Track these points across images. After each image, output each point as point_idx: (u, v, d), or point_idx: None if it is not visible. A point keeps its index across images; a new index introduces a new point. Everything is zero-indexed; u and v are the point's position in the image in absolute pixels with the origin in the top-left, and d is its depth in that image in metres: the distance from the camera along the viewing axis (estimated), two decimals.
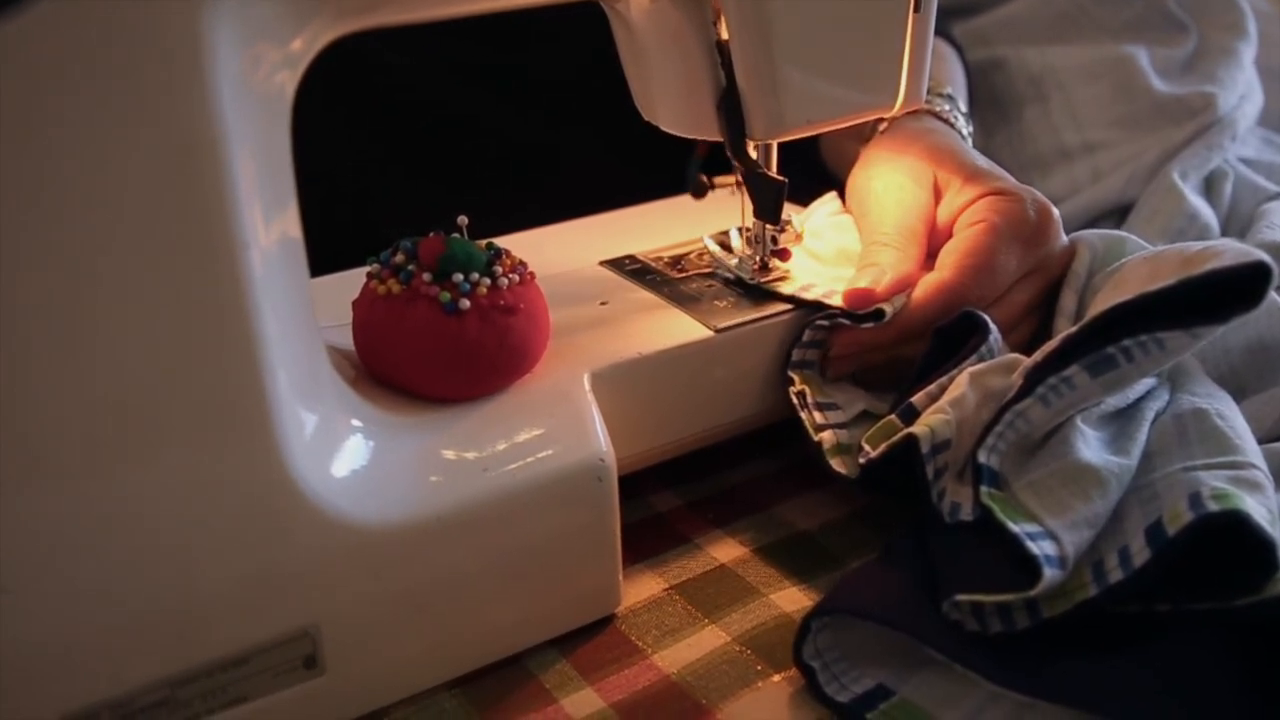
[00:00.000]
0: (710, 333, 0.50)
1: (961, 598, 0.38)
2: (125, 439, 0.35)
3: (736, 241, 0.56)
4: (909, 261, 0.51)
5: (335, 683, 0.39)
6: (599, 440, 0.43)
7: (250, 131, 0.35)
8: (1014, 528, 0.39)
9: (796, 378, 0.50)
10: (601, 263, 0.57)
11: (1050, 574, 0.37)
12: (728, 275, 0.55)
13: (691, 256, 0.58)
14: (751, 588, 0.46)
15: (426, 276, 0.43)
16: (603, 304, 0.53)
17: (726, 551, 0.49)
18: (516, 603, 0.42)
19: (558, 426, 0.44)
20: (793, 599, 0.45)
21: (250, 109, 0.36)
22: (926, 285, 0.50)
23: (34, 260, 0.32)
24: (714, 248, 0.56)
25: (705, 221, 0.59)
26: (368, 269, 0.45)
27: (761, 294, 0.53)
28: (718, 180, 0.53)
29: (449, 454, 0.42)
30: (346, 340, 0.46)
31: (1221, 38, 0.79)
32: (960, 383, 0.45)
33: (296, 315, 0.39)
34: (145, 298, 0.34)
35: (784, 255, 0.55)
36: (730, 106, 0.48)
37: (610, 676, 0.42)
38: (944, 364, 0.47)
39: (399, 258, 0.44)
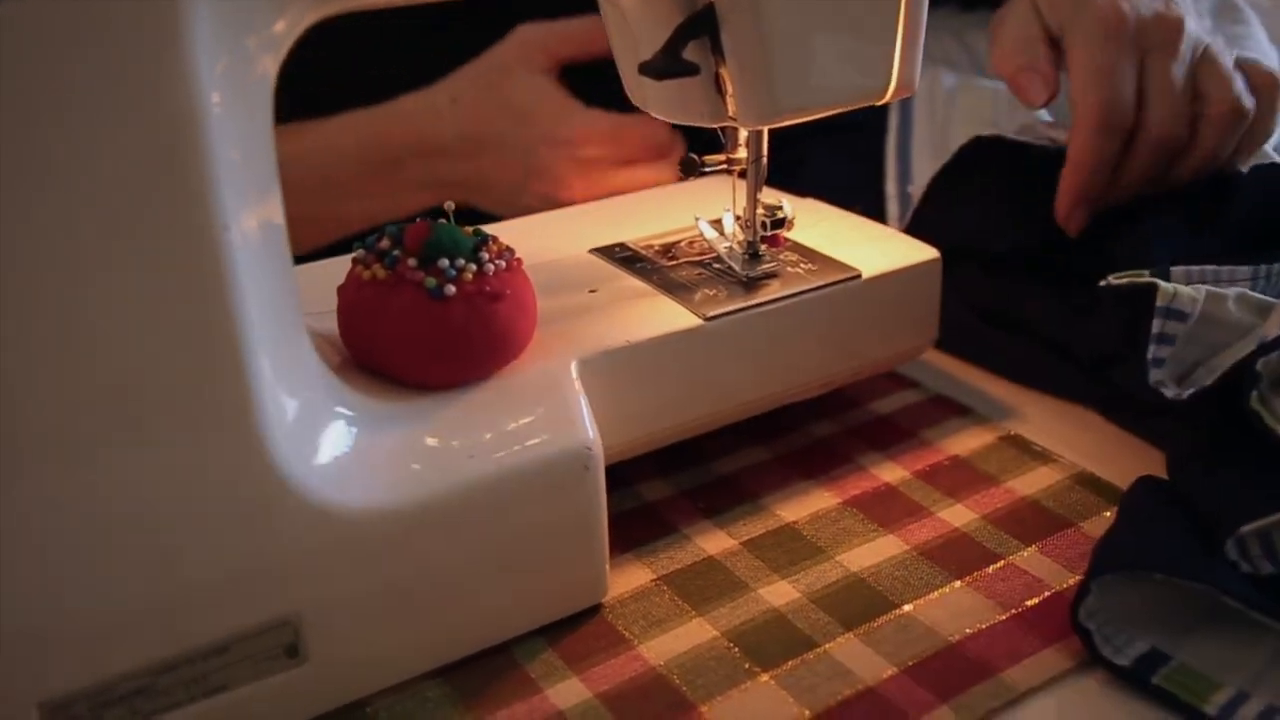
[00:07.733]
0: (700, 321, 0.49)
1: (1247, 528, 0.37)
2: (104, 426, 0.34)
3: (729, 225, 0.56)
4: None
5: (317, 671, 0.39)
6: (586, 429, 0.43)
7: (230, 113, 0.35)
8: None
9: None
10: (591, 250, 0.57)
11: None
12: (719, 266, 0.54)
13: (682, 244, 0.57)
14: (740, 581, 0.46)
15: (412, 262, 0.43)
16: (592, 291, 0.52)
17: (715, 543, 0.48)
18: (502, 592, 0.42)
19: (545, 414, 0.43)
20: (781, 593, 0.45)
21: (231, 90, 0.35)
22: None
23: (7, 245, 0.32)
24: (707, 231, 0.56)
25: (697, 210, 0.59)
26: (353, 255, 0.45)
27: (752, 282, 0.52)
28: (708, 159, 0.52)
29: (434, 441, 0.41)
30: (332, 328, 0.45)
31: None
32: (1228, 290, 0.45)
33: (279, 300, 0.38)
34: (123, 282, 0.34)
35: (776, 241, 0.55)
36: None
37: (596, 666, 0.42)
38: (1239, 257, 0.48)
39: (384, 243, 0.44)
